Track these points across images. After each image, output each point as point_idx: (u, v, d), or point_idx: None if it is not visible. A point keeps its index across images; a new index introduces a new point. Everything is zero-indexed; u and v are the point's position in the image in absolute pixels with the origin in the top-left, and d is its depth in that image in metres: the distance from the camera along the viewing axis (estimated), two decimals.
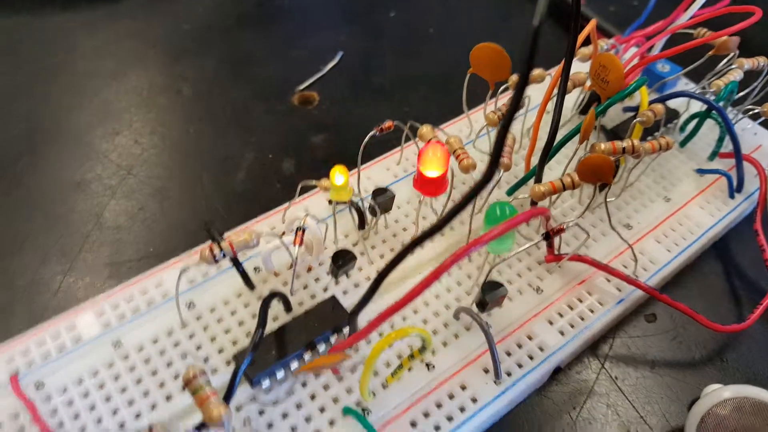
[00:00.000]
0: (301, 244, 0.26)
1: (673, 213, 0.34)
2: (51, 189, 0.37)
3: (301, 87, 0.44)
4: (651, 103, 0.33)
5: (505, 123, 0.19)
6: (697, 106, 0.38)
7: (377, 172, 0.35)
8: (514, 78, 0.34)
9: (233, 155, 0.39)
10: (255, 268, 0.30)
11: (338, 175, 0.26)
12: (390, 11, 0.52)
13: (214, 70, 0.46)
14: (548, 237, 0.26)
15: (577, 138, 0.31)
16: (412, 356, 0.24)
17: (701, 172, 0.36)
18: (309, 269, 0.30)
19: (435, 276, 0.20)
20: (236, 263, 0.27)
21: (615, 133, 0.37)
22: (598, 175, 0.27)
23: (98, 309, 0.28)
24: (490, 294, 0.26)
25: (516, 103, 0.19)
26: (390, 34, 0.50)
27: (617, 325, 0.31)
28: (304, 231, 0.26)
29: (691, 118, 0.38)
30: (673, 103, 0.39)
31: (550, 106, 0.31)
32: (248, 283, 0.28)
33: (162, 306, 0.28)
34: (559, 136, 0.30)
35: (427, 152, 0.25)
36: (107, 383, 0.26)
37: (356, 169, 0.31)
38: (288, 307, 0.28)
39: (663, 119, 0.34)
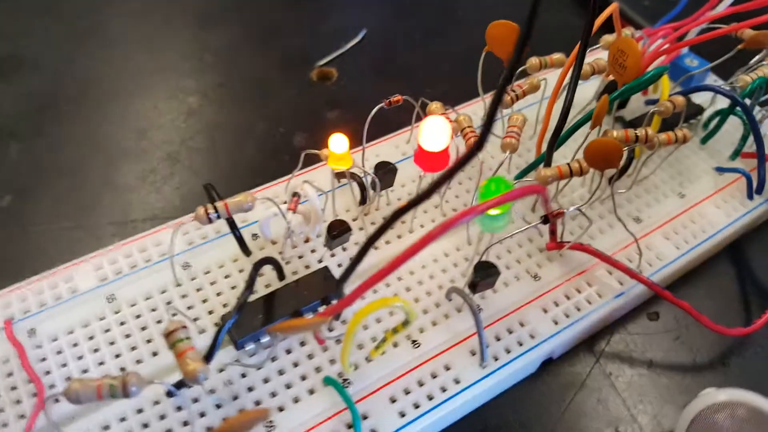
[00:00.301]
0: (295, 210, 0.26)
1: (686, 210, 0.33)
2: (68, 146, 0.37)
3: (321, 63, 0.44)
4: (673, 95, 0.32)
5: (497, 94, 0.19)
6: (723, 103, 0.37)
7: (386, 149, 0.34)
8: (533, 61, 0.34)
9: (246, 125, 0.39)
10: (253, 235, 0.30)
11: (337, 142, 0.25)
12: None
13: (239, 39, 0.46)
14: (547, 220, 0.26)
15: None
16: (395, 330, 0.24)
17: (720, 170, 0.35)
18: (307, 240, 0.30)
19: (422, 244, 0.20)
20: (232, 226, 0.27)
21: (633, 126, 0.36)
22: (606, 160, 0.26)
23: (96, 263, 0.28)
24: (482, 274, 0.26)
25: (510, 74, 0.19)
26: (418, 14, 0.50)
27: (617, 321, 0.31)
28: (299, 197, 0.26)
29: (715, 115, 0.36)
30: (699, 99, 0.38)
31: None
32: (244, 248, 0.28)
33: (158, 264, 0.28)
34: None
35: (426, 124, 0.24)
36: (97, 335, 0.26)
37: (362, 144, 0.31)
38: (281, 275, 0.28)
39: (684, 112, 0.33)
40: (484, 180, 0.31)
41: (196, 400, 0.24)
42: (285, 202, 0.28)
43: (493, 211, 0.23)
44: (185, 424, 0.24)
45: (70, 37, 0.45)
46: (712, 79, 0.41)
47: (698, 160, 0.36)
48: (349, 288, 0.27)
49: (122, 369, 0.25)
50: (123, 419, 0.24)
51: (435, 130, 0.24)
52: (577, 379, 0.29)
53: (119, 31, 0.46)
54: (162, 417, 0.24)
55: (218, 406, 0.24)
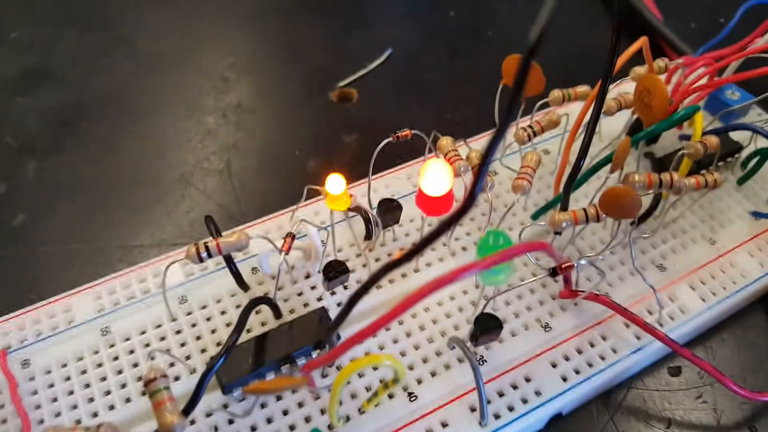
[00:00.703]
0: (288, 251, 0.25)
1: (716, 258, 0.31)
2: (85, 164, 0.37)
3: (342, 83, 0.43)
4: (708, 133, 0.30)
5: (498, 131, 0.17)
6: (765, 142, 0.34)
7: (396, 181, 0.33)
8: (555, 93, 0.32)
9: (261, 147, 0.39)
10: (252, 269, 0.29)
11: (334, 183, 0.24)
12: (450, 10, 0.50)
13: (261, 56, 0.45)
14: (555, 273, 0.24)
15: None
16: (386, 385, 0.23)
17: (757, 215, 0.33)
18: (307, 276, 0.29)
19: (412, 301, 0.19)
20: (229, 262, 0.26)
21: (663, 164, 0.34)
22: (622, 210, 0.24)
23: (95, 292, 0.28)
24: (482, 327, 0.24)
25: (513, 103, 0.17)
26: (446, 32, 0.48)
27: (635, 374, 0.29)
28: (294, 237, 0.25)
29: (755, 154, 0.34)
30: (739, 136, 0.35)
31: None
32: (241, 283, 0.27)
33: (155, 297, 0.28)
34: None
35: (426, 169, 0.23)
36: (89, 369, 0.26)
37: (369, 177, 0.30)
38: (277, 314, 0.27)
39: (718, 153, 0.31)
40: (491, 225, 0.30)
41: None
42: (284, 237, 0.27)
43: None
44: None
45: (97, 49, 0.45)
46: (755, 114, 0.38)
47: (733, 203, 0.33)
48: (346, 333, 0.26)
49: (111, 407, 0.25)
50: None
51: (435, 175, 0.23)
52: None
53: (145, 45, 0.46)
54: None
55: None
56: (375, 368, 0.26)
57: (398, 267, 0.19)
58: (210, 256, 0.24)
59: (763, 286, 0.30)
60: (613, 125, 0.35)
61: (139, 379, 0.26)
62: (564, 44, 0.46)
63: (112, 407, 0.25)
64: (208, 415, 0.25)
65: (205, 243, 0.24)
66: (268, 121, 0.40)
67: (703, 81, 0.37)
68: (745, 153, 0.35)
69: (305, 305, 0.28)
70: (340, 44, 0.46)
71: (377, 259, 0.30)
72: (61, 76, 0.43)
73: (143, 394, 0.25)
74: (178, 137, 0.39)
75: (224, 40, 0.46)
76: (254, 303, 0.25)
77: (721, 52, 0.35)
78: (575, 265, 0.24)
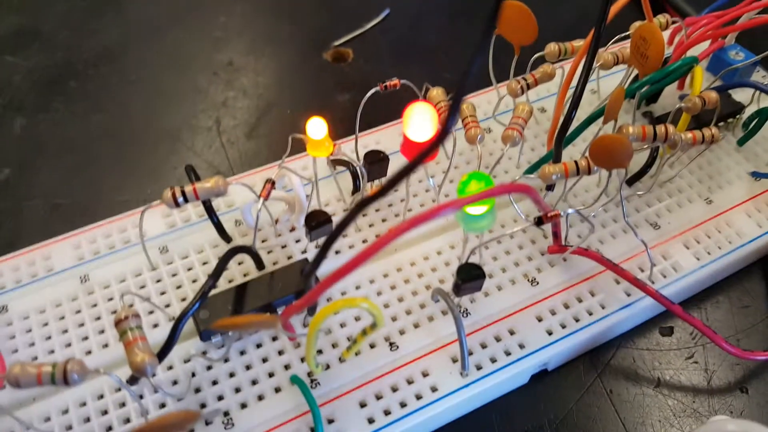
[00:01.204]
0: (267, 197, 0.24)
1: (712, 217, 0.30)
2: (73, 123, 0.37)
3: (337, 43, 0.42)
4: (706, 90, 0.29)
5: (461, 82, 0.17)
6: (767, 103, 0.33)
7: (387, 137, 0.33)
8: (551, 47, 0.31)
9: (253, 106, 0.38)
10: (236, 222, 0.29)
11: (315, 127, 0.23)
12: None
13: (254, 15, 0.44)
14: (540, 222, 0.23)
15: None
16: (364, 332, 0.22)
17: (757, 175, 0.32)
18: (292, 229, 0.28)
19: (385, 240, 0.18)
20: (209, 211, 0.26)
21: (661, 122, 0.33)
22: (612, 158, 0.24)
23: (75, 242, 0.28)
24: (465, 276, 0.24)
25: (488, 27, 0.17)
26: None
27: (624, 333, 0.28)
28: (273, 183, 0.24)
29: (756, 114, 0.33)
30: (741, 97, 0.34)
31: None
32: (223, 234, 0.27)
33: (136, 246, 0.27)
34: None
35: (410, 112, 0.22)
36: (67, 315, 0.25)
37: (356, 131, 0.29)
38: (260, 265, 0.26)
39: (718, 110, 0.30)
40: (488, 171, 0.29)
41: (156, 390, 0.23)
42: (264, 184, 0.27)
43: (474, 210, 0.21)
44: (143, 415, 0.23)
45: (88, 10, 0.44)
46: (759, 76, 0.37)
47: (732, 164, 0.32)
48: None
49: (88, 352, 0.25)
50: (66, 412, 0.23)
51: (419, 119, 0.22)
52: (573, 395, 0.26)
53: (135, 6, 0.45)
54: (104, 412, 0.23)
55: (180, 399, 0.23)
56: (357, 319, 0.26)
57: (373, 202, 0.18)
58: (186, 200, 0.23)
59: (760, 247, 0.29)
60: (613, 84, 0.34)
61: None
62: (566, 5, 0.45)
63: (89, 352, 0.25)
64: (186, 361, 0.24)
65: (182, 187, 0.23)
66: (259, 81, 0.40)
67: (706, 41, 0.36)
68: (747, 114, 0.34)
69: (289, 258, 0.27)
70: (337, 4, 0.46)
71: (364, 215, 0.29)
72: (51, 36, 0.42)
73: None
74: (166, 96, 0.39)
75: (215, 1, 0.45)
76: (234, 251, 0.24)
77: (723, 12, 0.34)
78: (561, 214, 0.23)
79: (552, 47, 0.31)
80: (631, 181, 0.31)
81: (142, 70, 0.40)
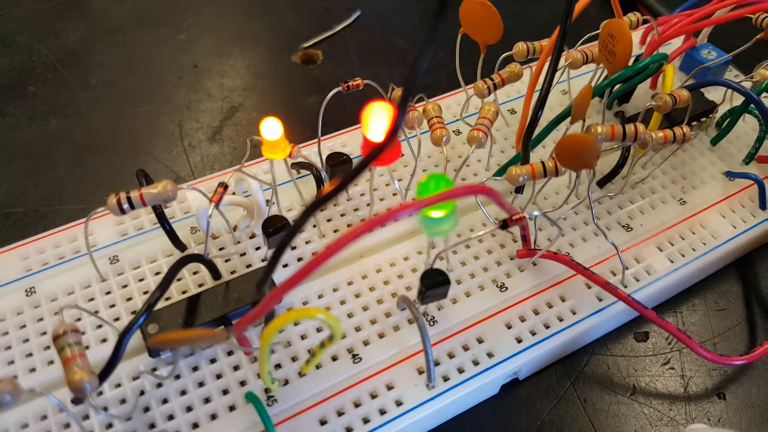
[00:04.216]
0: (218, 201, 0.23)
1: (686, 218, 0.29)
2: (30, 127, 0.36)
3: (306, 44, 0.41)
4: (678, 89, 0.29)
5: (412, 73, 0.16)
6: (740, 100, 0.33)
7: (354, 140, 0.32)
8: (520, 46, 0.30)
9: (217, 109, 0.37)
10: (192, 229, 0.27)
11: (270, 127, 0.22)
12: None
13: (224, 14, 0.43)
14: (505, 226, 0.22)
15: None
16: (322, 344, 0.21)
17: (731, 175, 0.31)
18: (252, 236, 0.27)
19: (342, 243, 0.17)
20: (160, 218, 0.25)
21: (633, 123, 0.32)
22: (578, 158, 0.23)
23: (22, 252, 0.26)
24: (428, 283, 0.22)
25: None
26: None
27: (598, 340, 0.27)
28: (226, 187, 0.23)
29: (729, 113, 0.32)
30: (715, 96, 0.34)
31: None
32: (176, 242, 0.26)
33: (87, 256, 0.26)
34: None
35: (367, 111, 0.21)
36: (10, 331, 0.24)
37: (318, 133, 0.28)
38: (215, 275, 0.25)
39: (690, 108, 0.29)
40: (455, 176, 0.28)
41: (106, 409, 0.22)
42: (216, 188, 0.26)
43: (435, 213, 0.20)
44: None
45: (50, 13, 0.43)
46: (732, 76, 0.37)
47: (707, 163, 0.32)
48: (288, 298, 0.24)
49: (32, 370, 0.23)
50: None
51: (377, 117, 0.21)
52: (546, 405, 0.25)
53: (99, 8, 0.44)
54: None
55: (128, 419, 0.22)
56: (319, 330, 0.24)
57: (326, 202, 0.17)
58: (132, 207, 0.22)
59: (735, 248, 0.29)
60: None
61: None
62: (538, 5, 0.44)
63: (33, 369, 0.23)
64: (135, 378, 0.23)
65: (127, 193, 0.22)
66: (225, 83, 0.39)
67: (678, 40, 0.36)
68: (719, 114, 0.33)
69: (248, 266, 0.26)
70: (307, 6, 0.45)
71: (329, 219, 0.28)
72: (11, 40, 0.41)
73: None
74: (127, 99, 0.37)
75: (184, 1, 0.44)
76: (185, 260, 0.23)
77: (694, 11, 0.34)
78: (527, 216, 0.22)
79: (520, 46, 0.30)
80: (602, 183, 0.30)
81: (104, 73, 0.39)
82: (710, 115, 0.33)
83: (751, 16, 0.32)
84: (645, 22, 0.34)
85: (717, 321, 0.28)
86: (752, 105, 0.30)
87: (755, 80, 0.30)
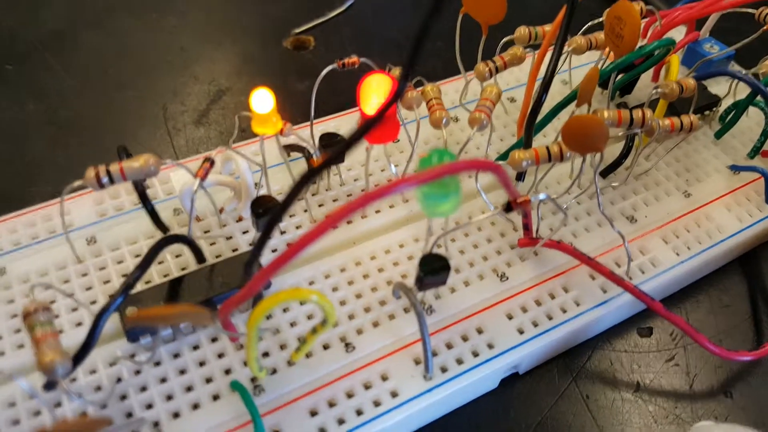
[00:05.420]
0: (204, 177, 0.22)
1: (691, 211, 0.28)
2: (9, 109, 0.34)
3: (298, 30, 0.40)
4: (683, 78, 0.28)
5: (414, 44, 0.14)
6: (744, 94, 0.32)
7: (348, 123, 0.30)
8: (522, 30, 0.29)
9: (205, 92, 0.36)
10: (175, 210, 0.26)
11: (261, 99, 0.21)
12: None
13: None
14: (509, 208, 0.21)
15: None
16: (314, 330, 0.20)
17: (736, 168, 0.30)
18: (239, 219, 0.26)
19: (330, 222, 0.16)
20: (142, 197, 0.23)
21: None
22: (586, 141, 0.22)
23: None
24: (428, 268, 0.21)
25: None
26: None
27: (601, 335, 0.26)
28: (212, 163, 0.22)
29: (733, 106, 0.31)
30: (718, 90, 0.33)
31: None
32: (158, 223, 0.24)
33: (62, 237, 0.24)
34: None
35: (363, 86, 0.20)
36: None
37: (311, 113, 0.27)
38: (200, 258, 0.24)
39: (695, 98, 0.28)
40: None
41: (80, 395, 0.20)
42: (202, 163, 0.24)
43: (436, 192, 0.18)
44: None
45: None
46: (736, 70, 0.36)
47: (711, 157, 0.31)
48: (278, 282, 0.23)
49: (1, 354, 0.21)
50: None
51: (374, 90, 0.20)
52: (546, 401, 0.24)
53: None
54: (15, 422, 0.20)
55: (104, 407, 0.20)
56: (309, 317, 0.23)
57: (316, 175, 0.16)
58: (112, 181, 0.20)
59: (741, 242, 0.28)
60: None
61: None
62: None
63: (2, 353, 0.21)
64: (112, 364, 0.21)
65: (107, 166, 0.20)
66: (214, 68, 0.37)
67: (680, 35, 0.35)
68: (723, 107, 0.32)
69: (234, 250, 0.25)
70: None
71: (320, 204, 0.27)
72: None
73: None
74: (111, 82, 0.36)
75: None
76: (167, 240, 0.22)
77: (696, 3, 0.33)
78: (532, 200, 0.21)
79: (522, 30, 0.29)
80: (605, 173, 0.29)
81: (89, 55, 0.37)
82: (714, 109, 0.32)
83: (754, 11, 0.31)
84: (650, 12, 0.33)
85: (722, 317, 0.27)
86: (758, 97, 0.29)
87: (762, 72, 0.29)
